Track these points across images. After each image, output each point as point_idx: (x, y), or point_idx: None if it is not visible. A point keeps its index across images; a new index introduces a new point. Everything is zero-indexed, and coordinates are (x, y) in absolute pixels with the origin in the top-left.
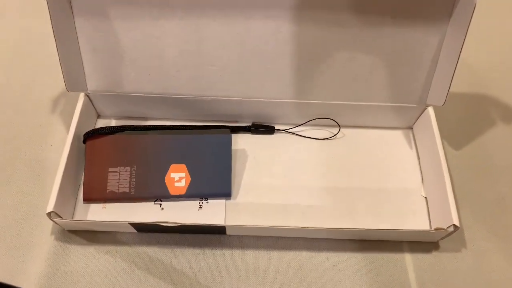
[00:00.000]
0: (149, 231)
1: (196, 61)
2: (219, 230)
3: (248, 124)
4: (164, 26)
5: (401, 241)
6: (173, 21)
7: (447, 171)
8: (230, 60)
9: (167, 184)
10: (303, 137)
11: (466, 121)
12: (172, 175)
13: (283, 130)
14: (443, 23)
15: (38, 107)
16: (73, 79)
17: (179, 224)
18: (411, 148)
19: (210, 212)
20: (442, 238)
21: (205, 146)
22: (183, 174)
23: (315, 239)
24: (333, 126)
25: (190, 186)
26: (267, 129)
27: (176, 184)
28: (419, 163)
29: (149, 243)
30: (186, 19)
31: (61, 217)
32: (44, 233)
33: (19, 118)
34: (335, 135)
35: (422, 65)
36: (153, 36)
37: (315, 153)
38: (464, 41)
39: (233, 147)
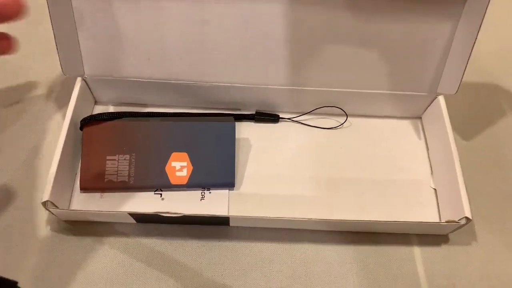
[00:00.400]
0: (149, 222)
1: (198, 45)
2: (222, 221)
3: (251, 112)
4: (166, 7)
5: (410, 234)
6: (175, 3)
7: (458, 161)
8: (233, 45)
9: (168, 173)
10: (308, 126)
11: (476, 111)
12: (173, 164)
13: (288, 118)
14: (457, 8)
15: (33, 92)
16: (70, 62)
17: (181, 215)
18: (419, 138)
19: (213, 203)
20: (452, 231)
21: (208, 134)
22: (184, 163)
23: (321, 231)
24: (339, 115)
25: (192, 175)
26: (272, 118)
27: (178, 174)
28: (428, 154)
29: (149, 234)
30: (188, 1)
31: (57, 207)
32: (39, 223)
33: (13, 104)
34: (342, 124)
35: (434, 52)
36: (154, 18)
37: (321, 143)
38: (480, 28)
39: (236, 136)
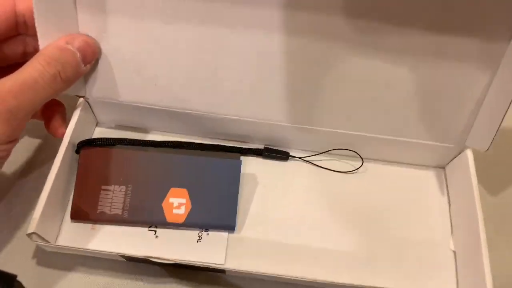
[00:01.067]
0: (140, 262)
1: (209, 74)
2: (217, 270)
3: (260, 147)
4: (178, 30)
5: None
6: (188, 27)
7: (483, 224)
8: (246, 76)
9: (164, 209)
10: (320, 168)
11: (506, 165)
12: (171, 200)
13: (299, 157)
14: (497, 55)
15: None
16: None
17: (173, 262)
18: (441, 191)
19: (210, 247)
20: None
21: (211, 171)
22: (183, 200)
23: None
24: (355, 157)
25: (190, 214)
26: (281, 155)
27: (175, 211)
28: (450, 211)
29: (138, 273)
30: (203, 26)
31: (44, 239)
32: (25, 252)
33: None
34: (357, 169)
35: (465, 101)
36: (164, 42)
37: (333, 188)
38: None
39: (241, 171)
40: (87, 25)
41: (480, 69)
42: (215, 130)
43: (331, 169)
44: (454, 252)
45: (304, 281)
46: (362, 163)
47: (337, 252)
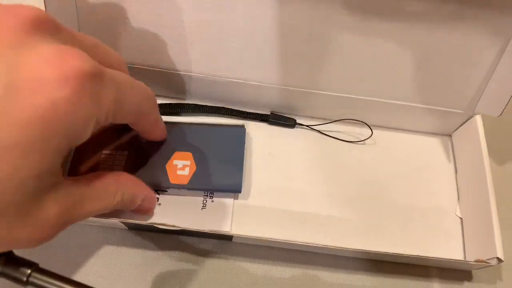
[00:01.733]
0: (142, 230)
1: (214, 34)
2: (223, 237)
3: (266, 113)
4: None
5: (429, 266)
6: None
7: (492, 190)
8: (255, 39)
9: (168, 171)
10: (328, 137)
11: (507, 132)
12: (175, 162)
13: (306, 125)
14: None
15: None
16: None
17: (178, 228)
18: (448, 159)
19: (215, 213)
20: (477, 268)
21: (216, 137)
22: (187, 162)
23: (334, 255)
24: (362, 126)
25: (195, 175)
26: (288, 122)
27: (179, 172)
28: (456, 177)
29: (139, 242)
30: None
31: None
32: None
33: None
34: (363, 140)
35: (477, 66)
36: (165, 2)
37: (341, 156)
38: None
39: (247, 138)
40: None
41: (494, 34)
42: (220, 95)
43: (338, 138)
44: (461, 218)
45: (313, 246)
46: (371, 134)
47: (344, 220)
